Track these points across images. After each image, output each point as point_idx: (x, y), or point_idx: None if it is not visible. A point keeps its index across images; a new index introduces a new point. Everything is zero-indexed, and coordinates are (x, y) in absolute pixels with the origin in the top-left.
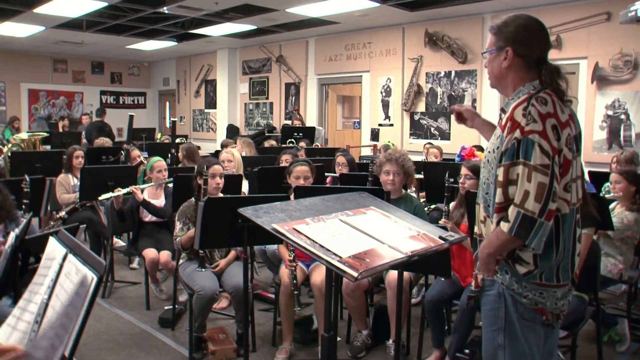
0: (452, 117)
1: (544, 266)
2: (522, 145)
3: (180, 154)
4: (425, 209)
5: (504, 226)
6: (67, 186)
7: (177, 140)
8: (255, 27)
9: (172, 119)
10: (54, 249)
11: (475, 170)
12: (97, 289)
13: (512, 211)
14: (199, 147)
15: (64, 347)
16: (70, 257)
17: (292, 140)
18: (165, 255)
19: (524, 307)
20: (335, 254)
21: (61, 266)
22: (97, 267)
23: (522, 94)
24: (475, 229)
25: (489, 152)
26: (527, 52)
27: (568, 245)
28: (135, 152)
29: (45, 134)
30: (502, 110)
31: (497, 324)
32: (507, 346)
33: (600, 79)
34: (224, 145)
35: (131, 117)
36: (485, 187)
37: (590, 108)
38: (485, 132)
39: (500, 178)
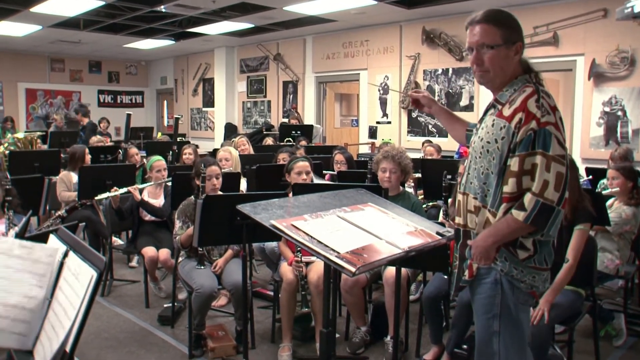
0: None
1: (543, 251)
2: (539, 136)
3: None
4: (424, 206)
5: (519, 215)
6: (68, 184)
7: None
8: (252, 26)
9: (175, 116)
10: (55, 246)
11: None
12: (97, 285)
13: (529, 200)
14: (197, 146)
15: (62, 343)
16: (71, 254)
17: (290, 138)
18: (164, 253)
19: (520, 291)
20: (333, 250)
21: (62, 263)
22: (97, 263)
23: (517, 87)
24: (458, 220)
25: (488, 142)
26: (524, 46)
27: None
28: (133, 150)
29: (41, 133)
30: (497, 101)
31: (492, 311)
32: (502, 332)
33: (597, 76)
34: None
35: (129, 115)
36: (484, 177)
37: (587, 105)
38: (443, 119)
39: (515, 168)
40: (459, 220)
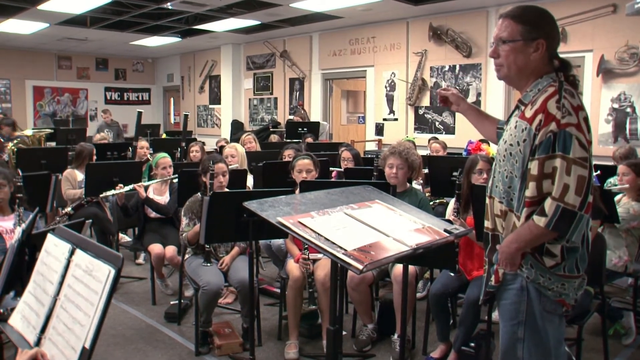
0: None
1: (571, 258)
2: (559, 138)
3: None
4: (431, 203)
5: (540, 220)
6: (73, 182)
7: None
8: (259, 23)
9: (183, 113)
10: (55, 244)
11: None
12: (115, 281)
13: (549, 205)
14: (203, 143)
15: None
16: (79, 252)
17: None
18: (170, 250)
19: (548, 299)
20: (341, 247)
21: (69, 261)
22: (113, 260)
23: (542, 86)
24: (487, 224)
25: (511, 145)
26: (554, 46)
27: (587, 235)
28: (143, 143)
29: (50, 131)
30: (521, 102)
31: (517, 318)
32: (527, 339)
33: (606, 72)
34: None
35: (139, 113)
36: (508, 181)
37: (596, 101)
38: (472, 117)
39: (535, 172)
40: (487, 224)
